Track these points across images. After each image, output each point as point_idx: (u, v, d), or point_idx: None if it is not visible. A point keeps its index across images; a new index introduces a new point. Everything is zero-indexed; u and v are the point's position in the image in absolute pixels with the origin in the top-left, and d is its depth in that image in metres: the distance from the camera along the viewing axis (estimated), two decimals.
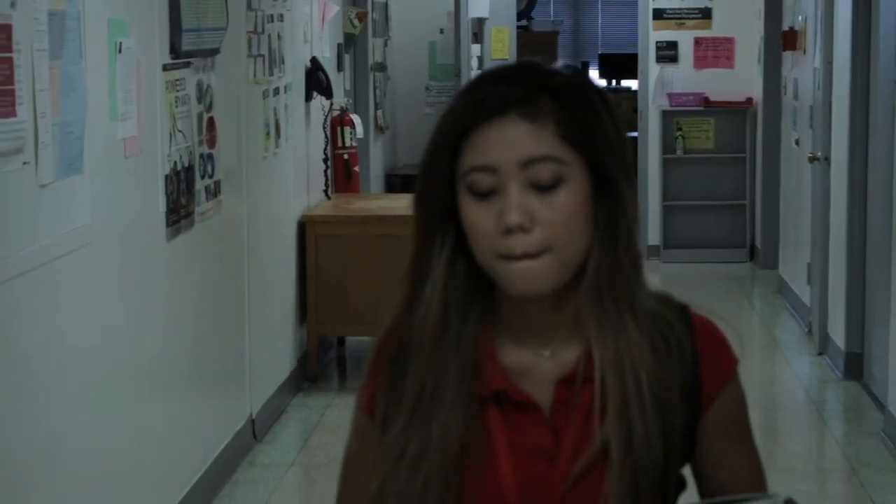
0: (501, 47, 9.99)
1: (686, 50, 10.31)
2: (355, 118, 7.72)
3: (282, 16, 6.32)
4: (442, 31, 10.70)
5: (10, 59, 3.20)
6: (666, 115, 10.23)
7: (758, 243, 10.09)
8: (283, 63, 6.34)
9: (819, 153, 7.39)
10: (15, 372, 3.29)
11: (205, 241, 5.00)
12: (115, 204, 4.03)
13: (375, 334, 1.64)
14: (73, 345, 3.67)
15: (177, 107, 4.61)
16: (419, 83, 10.85)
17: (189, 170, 4.75)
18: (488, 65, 9.03)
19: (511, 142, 1.49)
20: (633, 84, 11.74)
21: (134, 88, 4.17)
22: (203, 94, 4.94)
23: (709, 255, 10.20)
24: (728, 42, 10.30)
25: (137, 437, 4.23)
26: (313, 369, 6.80)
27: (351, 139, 7.59)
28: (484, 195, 1.50)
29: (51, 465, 3.51)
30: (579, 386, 1.53)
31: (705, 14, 10.28)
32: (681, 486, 1.59)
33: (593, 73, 13.37)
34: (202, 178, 4.92)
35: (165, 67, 4.51)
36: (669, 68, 10.32)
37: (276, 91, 6.22)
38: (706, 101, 10.18)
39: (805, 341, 7.69)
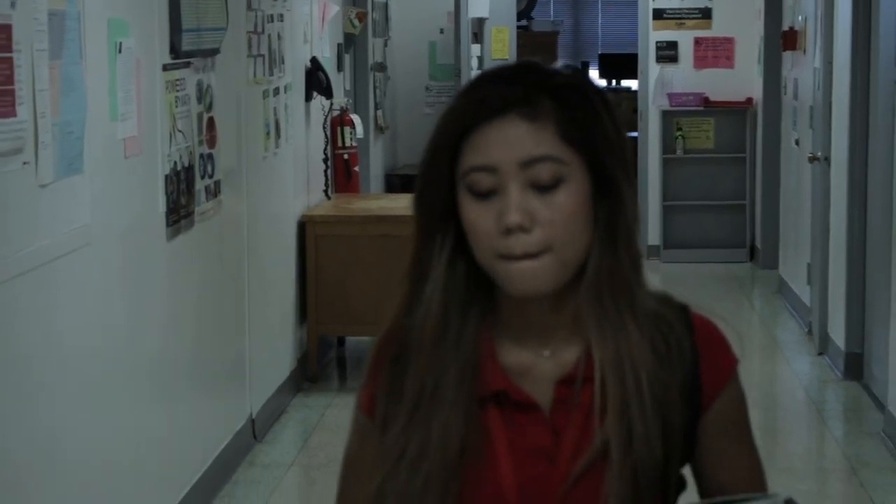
0: (501, 47, 9.99)
1: (686, 50, 10.31)
2: (355, 118, 7.72)
3: (282, 16, 6.32)
4: (442, 31, 10.70)
5: (10, 59, 3.20)
6: (666, 115, 10.23)
7: (758, 243, 10.09)
8: (283, 63, 6.34)
9: (819, 153, 7.40)
10: (15, 372, 3.29)
11: (205, 241, 5.00)
12: (115, 204, 4.03)
13: (375, 334, 1.64)
14: (73, 345, 3.67)
15: (177, 107, 4.61)
16: (419, 83, 10.85)
17: (189, 170, 4.75)
18: (488, 65, 9.03)
19: (511, 142, 1.49)
20: (633, 84, 11.74)
21: (134, 88, 4.17)
22: (203, 94, 4.94)
23: (709, 255, 10.20)
24: (728, 42, 10.30)
25: (137, 437, 4.23)
26: (313, 369, 6.80)
27: (351, 139, 7.59)
28: (484, 195, 1.50)
29: (51, 465, 3.51)
30: (579, 386, 1.53)
31: (705, 14, 10.28)
32: (681, 486, 1.59)
33: (593, 73, 13.37)
34: (202, 178, 4.92)
35: (165, 67, 4.51)
36: (669, 68, 10.32)
37: (276, 91, 6.22)
38: (706, 101, 10.18)
39: (805, 341, 7.69)
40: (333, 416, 6.22)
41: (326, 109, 7.38)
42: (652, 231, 10.21)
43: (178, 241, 4.65)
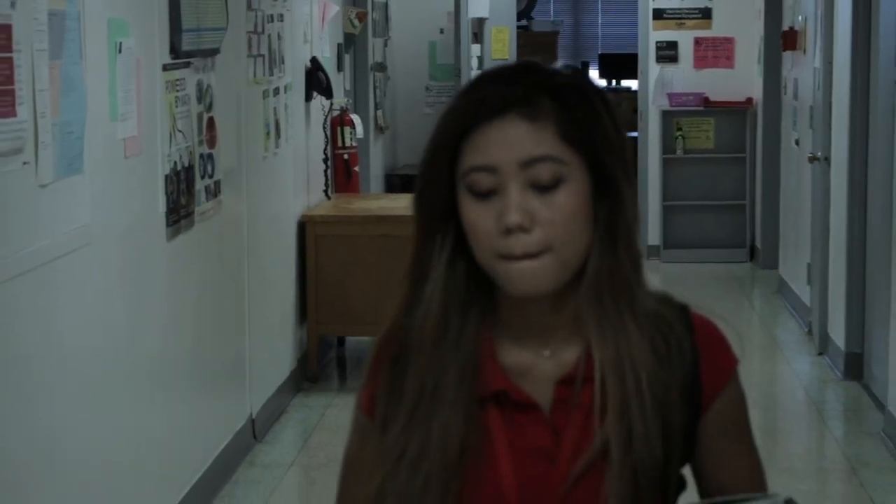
0: (501, 47, 9.99)
1: (686, 50, 10.31)
2: (355, 118, 7.72)
3: (282, 16, 6.32)
4: (442, 31, 10.70)
5: (10, 59, 3.20)
6: (666, 115, 10.23)
7: (758, 243, 10.09)
8: (283, 63, 6.34)
9: (819, 153, 7.40)
10: (15, 372, 3.29)
11: (205, 241, 5.00)
12: (115, 204, 4.03)
13: (375, 334, 1.64)
14: (73, 345, 3.67)
15: (177, 107, 4.61)
16: (419, 83, 10.85)
17: (189, 170, 4.75)
18: (488, 65, 9.03)
19: (511, 142, 1.49)
20: (633, 84, 11.74)
21: (134, 88, 4.17)
22: (203, 94, 4.94)
23: (709, 255, 10.20)
24: (728, 42, 10.30)
25: (137, 437, 4.23)
26: (313, 369, 6.80)
27: (351, 139, 7.59)
28: (484, 195, 1.50)
29: (51, 465, 3.51)
30: (579, 386, 1.53)
31: (705, 14, 10.28)
32: (681, 486, 1.59)
33: (593, 74, 13.38)
34: (202, 178, 4.92)
35: (165, 67, 4.51)
36: (669, 68, 10.32)
37: (276, 91, 6.22)
38: (706, 101, 10.18)
39: (805, 341, 7.69)
40: (333, 416, 6.22)
41: (326, 109, 7.39)
42: (652, 231, 10.21)
43: (178, 241, 4.65)
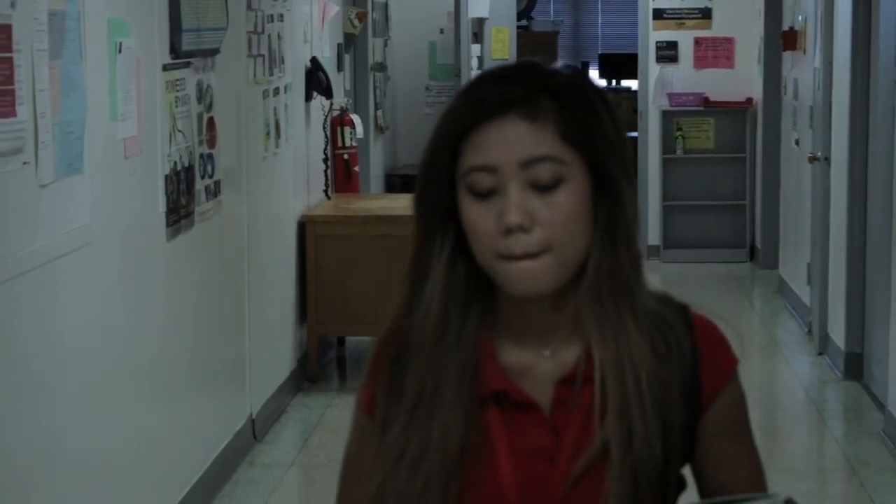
0: (501, 47, 9.99)
1: (686, 50, 10.31)
2: (355, 118, 7.73)
3: (282, 16, 6.32)
4: (442, 31, 10.70)
5: (11, 59, 3.20)
6: (666, 115, 10.23)
7: (758, 243, 10.10)
8: (283, 63, 6.34)
9: (819, 153, 7.40)
10: (15, 372, 3.29)
11: (205, 241, 5.01)
12: (116, 204, 4.03)
13: (375, 334, 1.64)
14: (73, 345, 3.67)
15: (177, 107, 4.61)
16: (419, 83, 10.85)
17: (189, 170, 4.75)
18: (488, 65, 9.03)
19: (511, 142, 1.49)
20: (633, 84, 11.74)
21: (134, 88, 4.18)
22: (203, 94, 4.94)
23: (709, 255, 10.20)
24: (728, 42, 10.30)
25: (137, 437, 4.23)
26: (313, 369, 6.80)
27: (351, 139, 7.59)
28: (484, 195, 1.50)
29: (51, 465, 3.51)
30: (579, 386, 1.53)
31: (705, 14, 10.28)
32: (681, 485, 1.59)
33: (593, 74, 13.38)
34: (202, 177, 4.93)
35: (165, 67, 4.51)
36: (669, 68, 10.32)
37: (276, 91, 6.22)
38: (706, 101, 10.18)
39: (805, 341, 7.69)
40: (333, 415, 6.22)
41: (326, 109, 7.39)
42: (652, 231, 10.21)
43: (178, 241, 4.65)
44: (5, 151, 3.19)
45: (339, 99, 7.66)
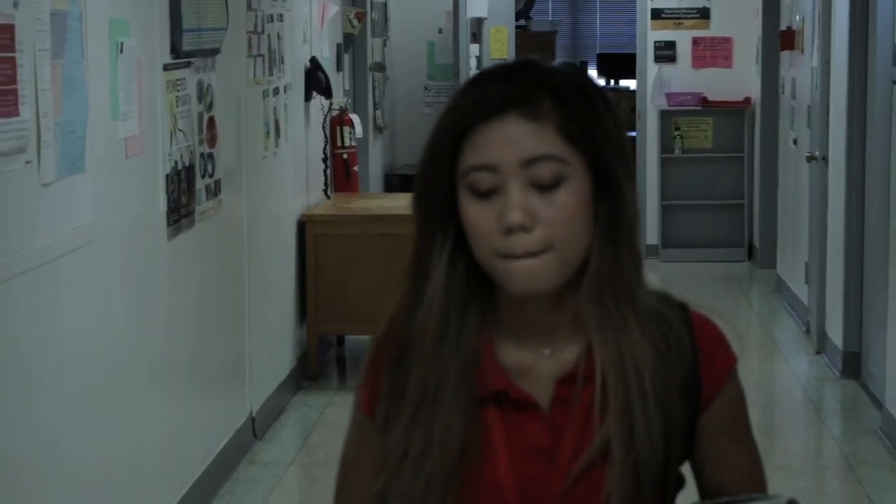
0: (500, 47, 10.00)
1: (684, 50, 10.32)
2: (354, 118, 7.73)
3: (282, 16, 6.33)
4: (440, 31, 10.71)
5: (13, 58, 3.21)
6: (664, 115, 10.24)
7: (756, 242, 10.10)
8: (282, 63, 6.35)
9: (817, 152, 7.41)
10: (15, 372, 3.29)
11: (205, 241, 5.02)
12: (117, 203, 4.04)
13: (375, 333, 1.64)
14: (73, 345, 3.68)
15: (177, 106, 4.62)
16: (418, 83, 10.86)
17: (189, 169, 4.76)
18: (487, 65, 9.03)
19: (512, 141, 1.48)
20: (631, 84, 11.75)
21: (135, 88, 4.19)
22: (203, 93, 4.95)
23: (707, 255, 10.21)
24: (726, 42, 10.31)
25: (137, 437, 4.23)
26: (313, 368, 6.81)
27: (350, 139, 7.60)
28: (484, 194, 1.49)
29: (51, 465, 3.51)
30: (580, 385, 1.53)
31: (703, 14, 10.29)
32: (680, 483, 1.59)
33: (592, 73, 13.38)
34: (202, 177, 4.94)
35: (166, 67, 4.52)
36: (668, 68, 10.33)
37: (276, 91, 6.23)
38: (704, 101, 10.19)
39: (803, 340, 7.70)
40: (333, 414, 6.23)
41: (326, 109, 7.40)
42: (650, 230, 10.22)
43: (179, 241, 4.66)
44: (8, 151, 3.20)
45: (339, 99, 7.67)
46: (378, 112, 9.69)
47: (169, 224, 4.55)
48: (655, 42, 10.33)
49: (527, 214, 1.47)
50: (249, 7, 5.72)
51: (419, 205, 1.55)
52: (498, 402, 1.55)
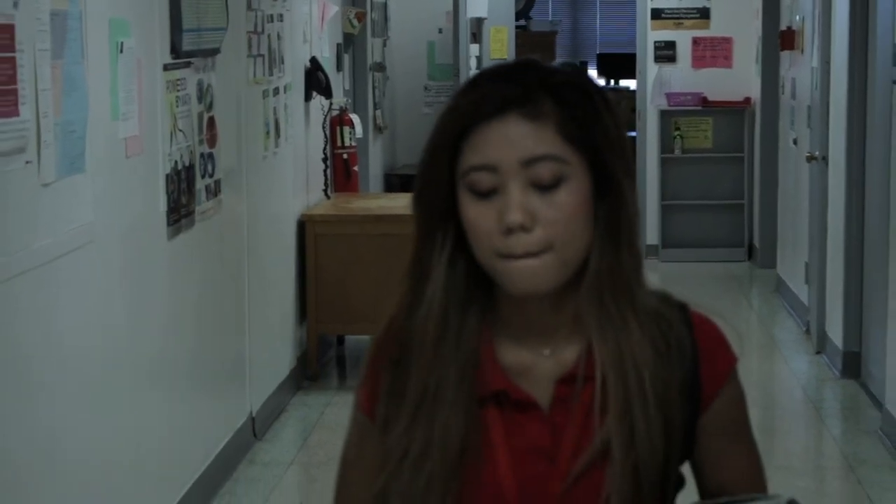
0: (500, 47, 10.01)
1: (684, 50, 10.32)
2: (354, 118, 7.73)
3: (282, 16, 6.33)
4: (440, 31, 10.71)
5: (13, 58, 3.21)
6: (664, 115, 10.24)
7: (756, 242, 10.11)
8: (282, 63, 6.36)
9: (817, 152, 7.41)
10: (15, 372, 3.29)
11: (205, 241, 5.02)
12: (117, 203, 4.04)
13: (375, 333, 1.64)
14: (73, 345, 3.68)
15: (177, 106, 4.62)
16: (418, 83, 10.86)
17: (189, 169, 4.76)
18: (487, 65, 9.03)
19: (512, 141, 1.48)
20: (631, 84, 11.75)
21: (135, 88, 4.19)
22: (203, 93, 4.95)
23: (707, 255, 10.21)
24: (726, 42, 10.31)
25: (137, 437, 4.23)
26: (313, 368, 6.82)
27: (350, 139, 7.60)
28: (484, 194, 1.49)
29: (51, 465, 3.51)
30: (580, 385, 1.53)
31: (703, 14, 10.29)
32: (679, 483, 1.59)
33: (592, 73, 13.39)
34: (202, 177, 4.94)
35: (166, 67, 4.52)
36: (668, 68, 10.33)
37: (276, 91, 6.23)
38: (704, 101, 10.19)
39: (803, 340, 7.70)
40: (333, 414, 6.23)
41: (326, 109, 7.40)
42: (650, 230, 10.22)
43: (179, 240, 4.66)
44: (8, 151, 3.20)
45: (339, 99, 7.67)
46: (378, 112, 9.69)
47: (169, 224, 4.55)
48: (655, 42, 10.33)
49: (527, 214, 1.47)
50: (249, 7, 5.72)
51: (419, 205, 1.55)
52: (498, 402, 1.55)
